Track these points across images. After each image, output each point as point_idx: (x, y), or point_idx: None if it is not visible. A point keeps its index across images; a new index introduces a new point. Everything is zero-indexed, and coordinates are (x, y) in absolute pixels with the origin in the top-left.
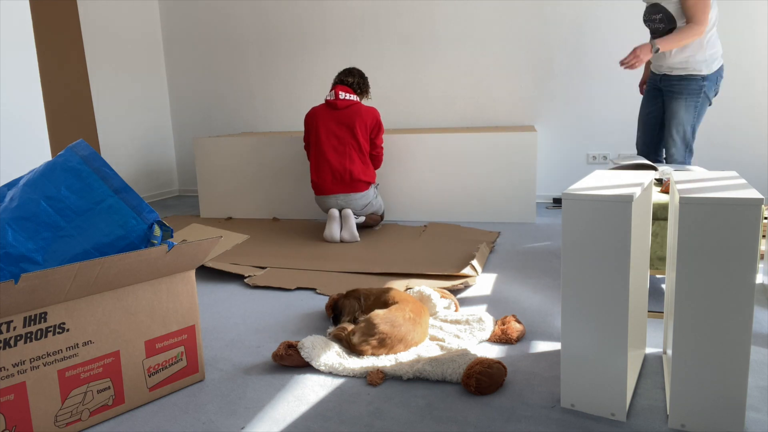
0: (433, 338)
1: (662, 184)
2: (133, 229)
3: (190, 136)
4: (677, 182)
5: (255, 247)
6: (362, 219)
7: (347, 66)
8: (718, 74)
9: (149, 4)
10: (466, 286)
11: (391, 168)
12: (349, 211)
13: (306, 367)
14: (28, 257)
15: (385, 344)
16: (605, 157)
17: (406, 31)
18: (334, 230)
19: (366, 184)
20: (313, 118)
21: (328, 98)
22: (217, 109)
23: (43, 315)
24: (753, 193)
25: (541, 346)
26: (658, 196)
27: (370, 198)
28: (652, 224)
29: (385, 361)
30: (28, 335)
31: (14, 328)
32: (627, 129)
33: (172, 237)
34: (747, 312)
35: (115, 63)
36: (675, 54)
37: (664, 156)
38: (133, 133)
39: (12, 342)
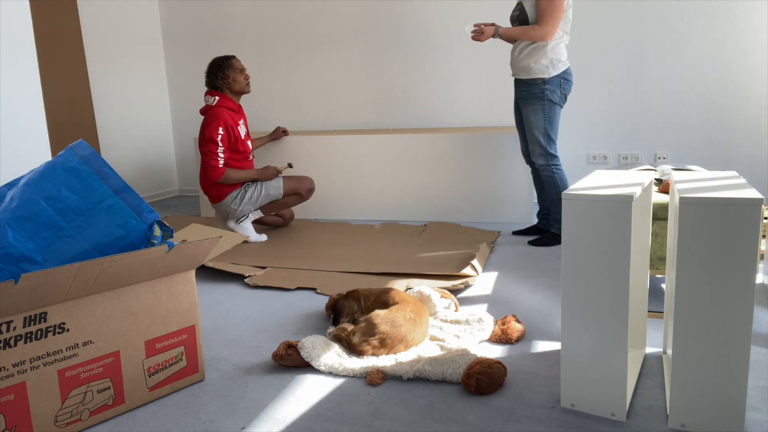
0: (433, 338)
1: (661, 184)
2: (133, 229)
3: (189, 136)
4: (677, 182)
5: (255, 248)
6: (257, 214)
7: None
8: (562, 78)
9: (149, 4)
10: (466, 286)
11: (390, 168)
12: (230, 225)
13: (306, 367)
14: (28, 257)
15: (385, 344)
16: (605, 157)
17: (406, 31)
18: (248, 230)
19: (216, 197)
20: None
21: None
22: None
23: (43, 315)
24: (753, 193)
25: (541, 346)
26: (658, 196)
27: (227, 204)
28: (652, 224)
29: (385, 361)
30: (28, 335)
31: (14, 328)
32: (627, 129)
33: (172, 237)
34: (747, 312)
35: (115, 63)
36: (521, 59)
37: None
38: (133, 133)
39: (12, 342)
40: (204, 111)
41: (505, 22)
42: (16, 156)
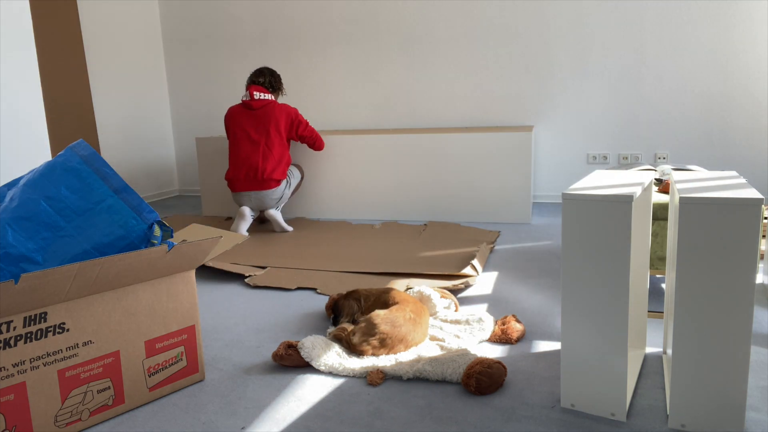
0: (433, 338)
1: (661, 184)
2: (133, 229)
3: (190, 136)
4: (677, 182)
5: (255, 247)
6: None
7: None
8: None
9: (149, 4)
10: (467, 286)
11: (390, 168)
12: (271, 213)
13: (306, 367)
14: (28, 257)
15: (385, 344)
16: (605, 157)
17: (406, 31)
18: (241, 228)
19: (277, 182)
20: (230, 118)
21: (244, 99)
22: (217, 109)
23: (43, 315)
24: (753, 193)
25: (541, 346)
26: (658, 196)
27: (281, 192)
28: (652, 224)
29: (385, 361)
30: (28, 335)
31: (14, 328)
32: (627, 129)
33: (172, 237)
34: (747, 312)
35: (115, 63)
36: None
37: None
38: (133, 133)
39: (12, 342)
40: (263, 104)
41: (505, 23)
42: (16, 156)
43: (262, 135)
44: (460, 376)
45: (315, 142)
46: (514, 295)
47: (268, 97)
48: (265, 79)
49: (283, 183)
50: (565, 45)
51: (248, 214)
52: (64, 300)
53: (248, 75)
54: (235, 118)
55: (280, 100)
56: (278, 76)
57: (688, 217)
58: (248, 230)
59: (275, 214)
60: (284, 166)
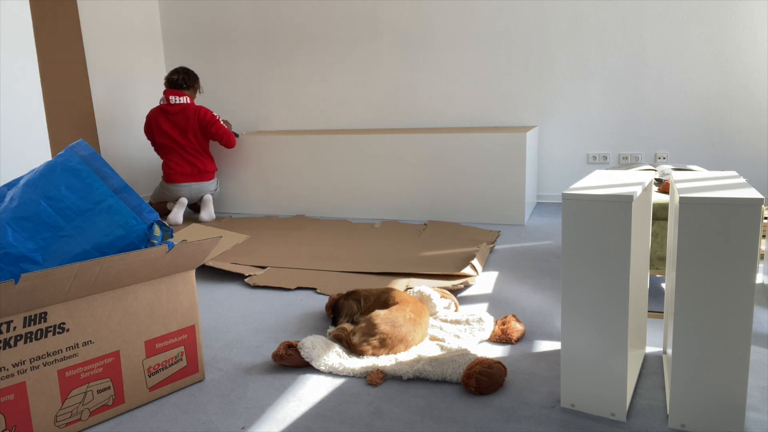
0: (433, 338)
1: (661, 184)
2: (133, 229)
3: None
4: (677, 182)
5: (255, 247)
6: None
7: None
8: None
9: (149, 3)
10: (467, 286)
11: (390, 167)
12: (208, 197)
13: (306, 367)
14: (28, 257)
15: (385, 344)
16: (605, 157)
17: (405, 31)
18: (179, 216)
19: (212, 174)
20: (152, 123)
21: (162, 103)
22: (217, 109)
23: (43, 315)
24: (753, 193)
25: (541, 346)
26: (658, 196)
27: (215, 182)
28: (652, 224)
29: (385, 361)
30: (28, 335)
31: (14, 328)
32: (627, 129)
33: (172, 237)
34: (747, 312)
35: (115, 63)
36: None
37: None
38: (133, 133)
39: (12, 342)
40: (178, 108)
41: (505, 23)
42: (16, 156)
43: (183, 137)
44: (460, 376)
45: (222, 140)
46: (514, 295)
47: (184, 99)
48: (178, 77)
49: (215, 173)
50: (564, 45)
51: (186, 203)
52: (64, 300)
53: (248, 75)
54: (157, 122)
55: (199, 97)
56: (192, 73)
57: (688, 217)
58: (246, 231)
59: (210, 199)
60: (211, 158)
